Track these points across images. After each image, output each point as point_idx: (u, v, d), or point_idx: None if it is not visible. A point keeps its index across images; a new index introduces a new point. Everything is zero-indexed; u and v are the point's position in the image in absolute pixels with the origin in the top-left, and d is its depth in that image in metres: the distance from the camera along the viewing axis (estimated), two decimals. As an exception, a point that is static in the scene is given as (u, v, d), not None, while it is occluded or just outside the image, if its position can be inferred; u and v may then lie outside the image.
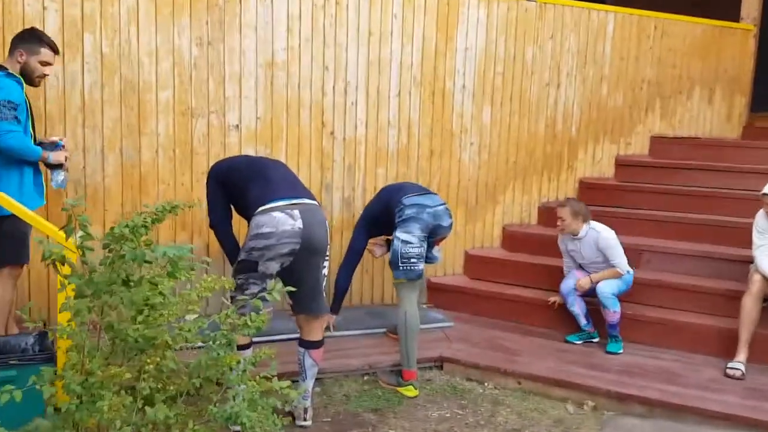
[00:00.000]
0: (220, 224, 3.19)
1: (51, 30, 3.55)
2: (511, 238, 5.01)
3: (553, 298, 4.14)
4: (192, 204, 2.07)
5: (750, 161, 5.03)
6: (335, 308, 3.92)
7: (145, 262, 1.55)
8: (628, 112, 5.37)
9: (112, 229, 1.66)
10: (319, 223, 2.90)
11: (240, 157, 3.52)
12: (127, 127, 3.82)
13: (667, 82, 5.47)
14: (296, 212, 2.83)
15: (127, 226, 1.62)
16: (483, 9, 4.69)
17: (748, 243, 3.75)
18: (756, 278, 3.55)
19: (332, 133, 4.36)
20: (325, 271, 3.02)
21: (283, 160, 4.21)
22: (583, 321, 3.98)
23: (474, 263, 4.91)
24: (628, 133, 5.41)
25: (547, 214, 5.11)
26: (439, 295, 4.72)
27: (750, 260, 3.72)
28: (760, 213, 3.64)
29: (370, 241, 4.00)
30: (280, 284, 2.38)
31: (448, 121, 4.70)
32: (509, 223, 5.07)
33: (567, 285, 4.03)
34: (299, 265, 2.88)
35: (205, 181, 3.23)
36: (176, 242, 3.94)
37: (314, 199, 3.00)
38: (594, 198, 5.00)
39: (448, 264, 4.87)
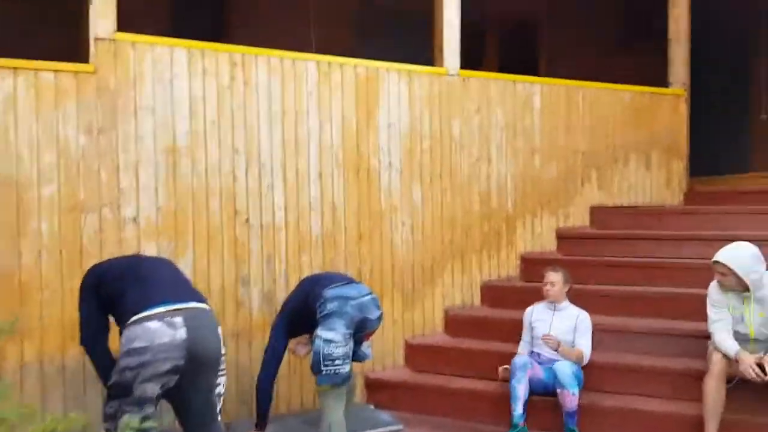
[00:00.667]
0: (92, 342, 2.67)
1: None
2: (455, 322, 4.62)
3: (504, 366, 3.78)
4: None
5: (694, 227, 4.84)
6: (261, 422, 3.41)
7: None
8: (563, 183, 5.17)
9: None
10: (208, 332, 2.45)
11: (118, 259, 3.05)
12: (4, 225, 3.33)
13: (602, 152, 5.33)
14: (178, 320, 2.38)
15: None
16: (404, 84, 4.48)
17: (704, 315, 3.43)
18: (716, 358, 3.21)
19: (247, 220, 3.95)
20: (220, 389, 2.52)
21: (190, 254, 3.76)
22: (518, 410, 3.55)
23: (416, 353, 4.47)
24: (566, 204, 5.19)
25: (491, 294, 4.78)
26: (379, 392, 4.25)
27: (707, 336, 3.40)
28: (713, 284, 3.35)
29: (292, 340, 3.55)
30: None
31: (376, 202, 4.38)
32: (451, 306, 4.69)
33: (522, 359, 3.70)
34: (186, 385, 2.39)
35: (79, 289, 2.75)
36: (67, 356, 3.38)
37: (203, 301, 2.54)
38: (537, 274, 4.67)
39: (387, 356, 4.41)
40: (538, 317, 3.86)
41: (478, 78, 4.79)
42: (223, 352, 2.52)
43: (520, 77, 4.98)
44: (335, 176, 4.23)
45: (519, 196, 4.94)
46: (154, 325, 2.34)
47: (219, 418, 2.54)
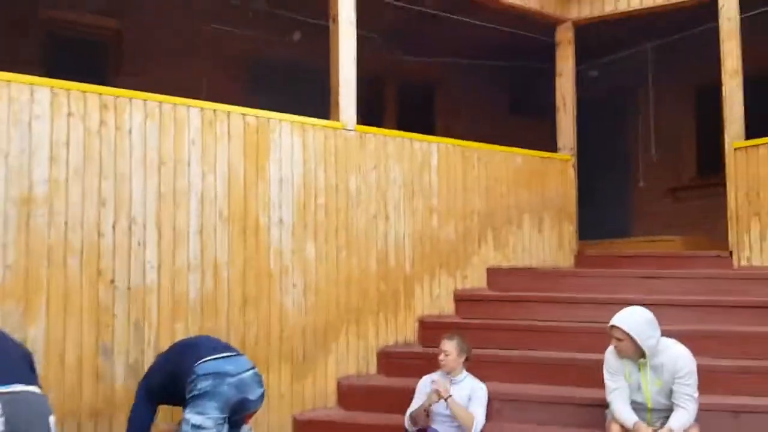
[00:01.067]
0: None
1: None
2: (349, 394, 4.28)
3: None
4: None
5: (587, 290, 4.84)
6: None
7: None
8: (461, 243, 5.06)
9: None
10: (33, 417, 1.99)
11: None
12: None
13: (497, 212, 5.31)
14: None
15: None
16: (297, 137, 4.25)
17: (602, 382, 3.32)
18: (614, 429, 3.08)
19: (112, 281, 3.49)
20: None
21: (42, 320, 3.25)
22: None
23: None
24: (464, 265, 5.07)
25: (388, 361, 4.50)
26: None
27: (606, 404, 3.28)
28: (610, 350, 3.26)
29: (159, 423, 3.08)
30: None
31: (264, 261, 4.03)
32: (345, 376, 4.36)
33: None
34: None
35: None
36: None
37: (33, 383, 2.09)
38: (435, 338, 4.46)
39: (273, 435, 3.98)
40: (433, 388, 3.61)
41: (376, 134, 4.65)
42: None
43: (417, 136, 4.89)
44: (218, 232, 3.86)
45: (417, 256, 4.77)
46: None
47: None
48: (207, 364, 2.77)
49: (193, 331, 3.72)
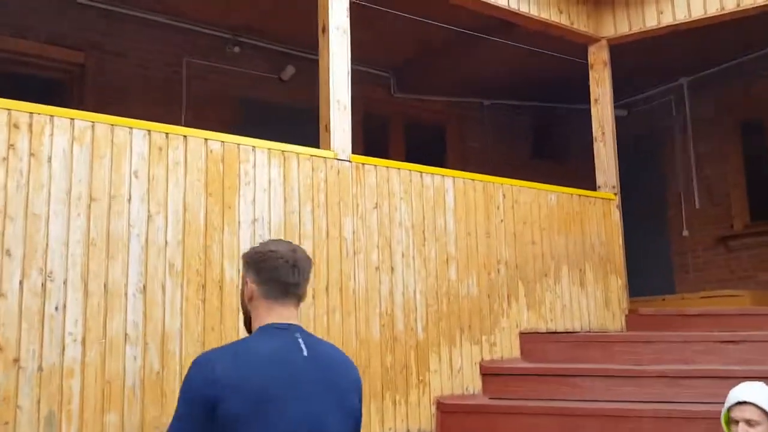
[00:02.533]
0: None
1: None
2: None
3: None
4: None
5: (650, 360, 3.89)
6: None
7: None
8: (486, 301, 4.13)
9: None
10: None
11: None
12: None
13: (529, 263, 4.39)
14: None
15: None
16: (276, 168, 3.41)
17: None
18: None
19: (16, 360, 2.58)
20: None
21: None
22: None
23: None
24: (490, 329, 4.11)
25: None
26: None
27: None
28: None
29: None
30: None
31: (231, 329, 3.12)
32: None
33: None
34: None
35: None
36: None
37: None
38: (461, 427, 3.51)
39: None
40: None
41: (377, 166, 3.80)
42: None
43: (428, 168, 4.04)
44: (168, 291, 2.97)
45: (432, 318, 3.83)
46: None
47: None
48: None
49: (132, 425, 2.78)
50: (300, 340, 1.79)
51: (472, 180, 4.26)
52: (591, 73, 5.18)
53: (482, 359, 4.01)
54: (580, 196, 4.80)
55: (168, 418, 2.87)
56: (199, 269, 3.08)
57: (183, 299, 3.01)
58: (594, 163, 5.05)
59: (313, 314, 3.40)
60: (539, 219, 4.53)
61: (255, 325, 1.85)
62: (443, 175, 4.11)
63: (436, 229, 3.96)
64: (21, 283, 2.65)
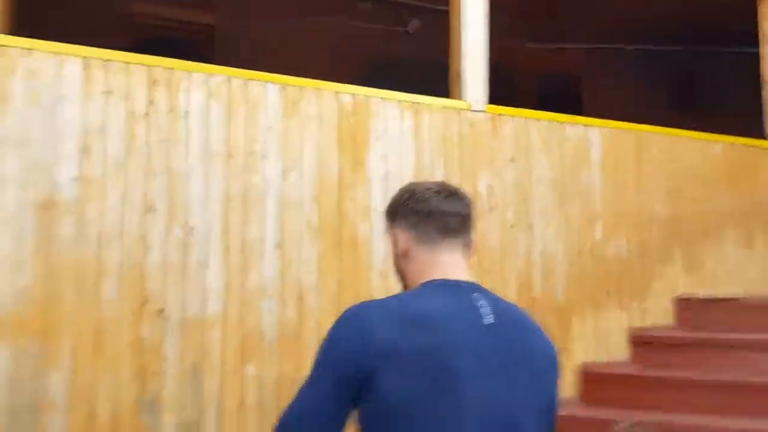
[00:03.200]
0: None
1: None
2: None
3: None
4: None
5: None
6: None
7: None
8: (637, 263, 3.80)
9: None
10: None
11: None
12: None
13: (687, 221, 3.98)
14: None
15: None
16: (408, 121, 3.28)
17: None
18: None
19: (162, 311, 2.69)
20: None
21: (67, 363, 2.52)
22: None
23: None
24: (641, 293, 3.79)
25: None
26: None
27: None
28: None
29: None
30: None
31: (365, 285, 3.09)
32: None
33: None
34: None
35: None
36: None
37: None
38: (604, 396, 3.28)
39: None
40: None
41: (514, 116, 3.57)
42: None
43: (571, 118, 3.74)
44: (304, 247, 2.97)
45: (574, 280, 3.59)
46: None
47: None
48: None
49: (269, 378, 2.84)
50: (478, 301, 1.33)
51: (621, 130, 3.90)
52: (760, 8, 4.55)
53: (631, 326, 3.72)
54: (748, 146, 4.27)
55: (305, 371, 2.91)
56: (333, 226, 3.05)
57: (318, 256, 3.00)
58: (756, 113, 4.45)
59: (447, 273, 3.28)
60: (700, 173, 4.08)
61: (414, 282, 1.42)
62: (587, 125, 3.80)
63: (579, 184, 3.68)
64: (165, 237, 2.74)
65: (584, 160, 3.72)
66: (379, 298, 3.00)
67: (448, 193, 1.44)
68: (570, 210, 3.63)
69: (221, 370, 2.76)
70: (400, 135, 3.27)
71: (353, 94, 3.19)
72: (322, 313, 2.98)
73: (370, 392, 1.20)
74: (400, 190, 1.51)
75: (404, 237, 1.43)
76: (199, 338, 2.74)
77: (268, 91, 3.00)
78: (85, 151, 2.64)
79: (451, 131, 3.39)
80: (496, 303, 1.34)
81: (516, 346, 1.30)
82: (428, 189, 1.44)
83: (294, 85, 3.06)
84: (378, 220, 3.14)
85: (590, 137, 3.76)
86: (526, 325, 1.38)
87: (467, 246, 1.43)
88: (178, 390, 2.69)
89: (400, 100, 3.29)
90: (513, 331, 1.32)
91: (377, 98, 3.24)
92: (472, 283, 1.37)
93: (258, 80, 2.98)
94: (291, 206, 2.98)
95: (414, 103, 3.32)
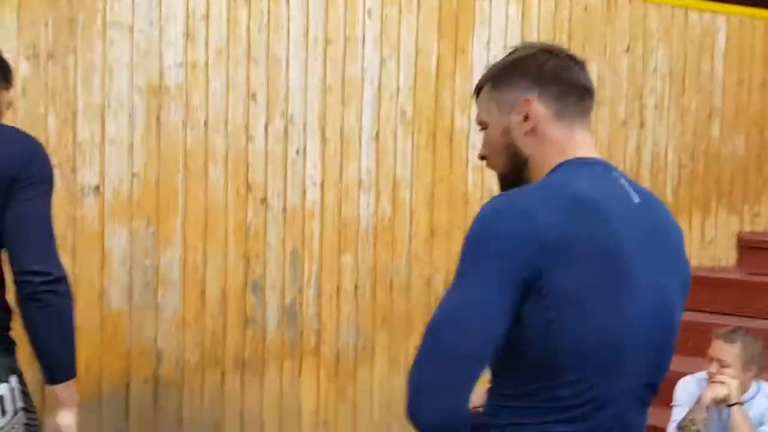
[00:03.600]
0: None
1: None
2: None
3: None
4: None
5: None
6: None
7: None
8: (754, 165, 3.58)
9: None
10: None
11: None
12: None
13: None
14: None
15: None
16: (514, 5, 3.10)
17: None
18: None
19: (264, 200, 2.80)
20: None
21: (178, 244, 2.68)
22: None
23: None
24: (755, 197, 3.61)
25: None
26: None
27: None
28: None
29: None
30: None
31: (460, 180, 3.08)
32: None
33: None
34: None
35: None
36: None
37: None
38: (710, 301, 3.21)
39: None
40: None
41: (631, 1, 3.29)
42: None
43: (696, 3, 3.42)
44: (399, 139, 2.97)
45: (684, 180, 3.44)
46: None
47: None
48: None
49: (365, 267, 2.95)
50: (620, 179, 1.18)
51: (752, 18, 3.54)
52: None
53: (741, 230, 3.56)
54: None
55: (399, 261, 3.01)
56: (430, 117, 3.01)
57: (414, 148, 2.99)
58: None
59: (547, 169, 3.21)
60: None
61: (546, 163, 1.18)
62: (714, 12, 3.47)
63: (699, 77, 3.43)
64: (266, 127, 2.79)
65: (707, 49, 3.44)
66: (476, 194, 2.97)
67: (580, 63, 1.22)
68: (686, 105, 3.41)
69: (319, 257, 2.89)
70: (506, 19, 3.11)
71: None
72: (415, 206, 3.02)
73: (538, 290, 1.08)
74: (528, 50, 1.24)
75: (541, 108, 1.18)
76: (299, 226, 2.85)
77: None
78: (189, 36, 2.66)
79: (562, 16, 3.19)
80: (631, 181, 1.22)
81: (660, 224, 1.20)
82: (568, 55, 1.22)
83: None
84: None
85: (717, 25, 3.45)
86: (660, 204, 1.26)
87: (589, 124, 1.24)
88: (280, 273, 2.83)
89: (504, -19, 3.10)
90: (656, 210, 1.21)
91: (485, -23, 3.06)
92: (607, 161, 1.22)
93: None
94: (388, 95, 2.94)
95: (523, -15, 3.12)
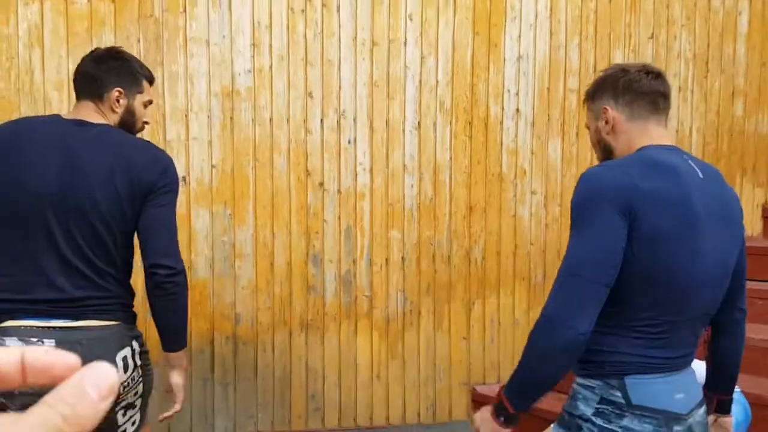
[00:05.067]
0: None
1: None
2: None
3: None
4: None
5: None
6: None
7: None
8: (779, 139, 3.84)
9: None
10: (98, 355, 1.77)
11: (17, 136, 1.84)
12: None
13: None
14: (50, 344, 1.73)
15: None
16: (543, 1, 3.46)
17: None
18: None
19: (321, 184, 3.30)
20: (131, 425, 1.89)
21: (250, 223, 3.21)
22: None
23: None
24: (781, 170, 3.86)
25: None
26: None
27: None
28: None
29: None
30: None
31: (495, 162, 3.49)
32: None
33: None
34: None
35: None
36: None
37: (108, 311, 1.83)
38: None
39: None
40: None
41: (655, -10, 3.60)
42: (124, 382, 1.85)
43: (719, -12, 3.69)
44: (439, 127, 3.40)
45: (709, 157, 3.74)
46: (13, 344, 1.74)
47: None
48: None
49: (410, 240, 3.41)
50: (689, 160, 1.54)
51: (778, -3, 3.78)
52: None
53: (766, 202, 3.85)
54: None
55: (440, 235, 3.46)
56: (466, 107, 3.43)
57: (452, 135, 3.43)
58: None
59: (575, 152, 3.59)
60: None
61: (627, 152, 1.56)
62: (739, -5, 3.73)
63: (722, 59, 3.70)
64: (322, 121, 3.28)
65: (730, 32, 3.71)
66: (510, 175, 3.41)
67: (655, 74, 1.58)
68: (710, 86, 3.70)
69: (370, 233, 3.38)
70: (534, 15, 3.48)
71: (489, -22, 3.41)
72: (454, 186, 3.45)
73: (636, 227, 1.40)
74: (610, 70, 1.64)
75: (613, 113, 1.58)
76: (352, 206, 3.35)
77: (408, -20, 3.31)
78: (255, 45, 3.17)
79: (587, 8, 3.53)
80: (699, 161, 1.59)
81: (718, 196, 1.55)
82: (639, 71, 1.58)
83: (433, -28, 3.34)
84: (509, 102, 3.46)
85: (740, 8, 3.71)
86: (721, 179, 1.62)
87: (666, 120, 1.62)
88: (336, 247, 3.35)
89: (536, -20, 3.46)
90: (716, 184, 1.56)
91: (513, -20, 3.44)
92: (678, 147, 1.58)
93: (399, -30, 3.30)
94: (428, 89, 3.38)
95: (550, -18, 3.47)
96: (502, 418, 1.50)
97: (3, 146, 1.80)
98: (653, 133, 1.54)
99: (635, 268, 1.42)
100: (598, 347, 1.46)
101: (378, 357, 3.41)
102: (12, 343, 1.72)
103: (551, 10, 3.48)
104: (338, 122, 3.30)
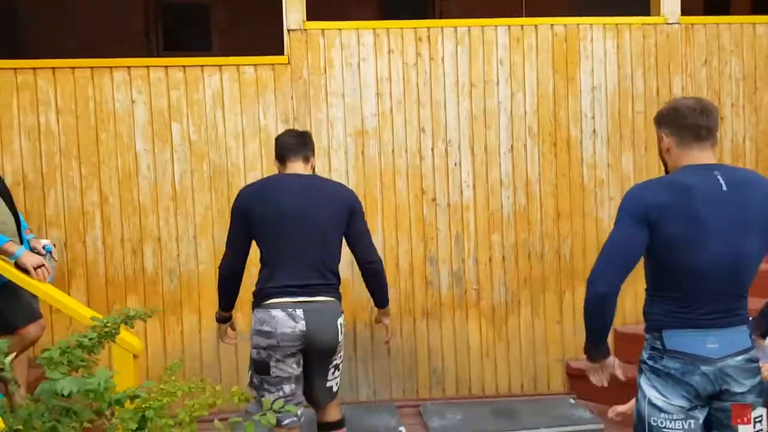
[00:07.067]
0: (225, 265, 2.98)
1: (140, 122, 3.92)
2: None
3: None
4: (149, 313, 2.01)
5: None
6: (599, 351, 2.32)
7: (61, 396, 1.51)
8: (829, 143, 4.49)
9: (44, 350, 1.66)
10: (326, 326, 2.87)
11: (268, 187, 2.97)
12: (218, 212, 4.05)
13: None
14: (299, 312, 2.82)
15: (60, 347, 1.62)
16: (610, 40, 4.28)
17: None
18: None
19: (434, 199, 4.21)
20: (334, 378, 3.01)
21: (379, 233, 4.15)
22: None
23: (626, 344, 4.34)
24: (832, 169, 4.50)
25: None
26: (580, 382, 4.23)
27: None
28: None
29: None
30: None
31: (577, 175, 4.31)
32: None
33: None
34: (308, 362, 2.92)
35: None
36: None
37: (331, 293, 2.94)
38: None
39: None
40: None
41: (706, 25, 4.36)
42: (339, 340, 2.93)
43: (760, 18, 4.40)
44: (528, 149, 4.26)
45: (762, 165, 4.43)
46: (278, 314, 2.80)
47: (335, 399, 3.04)
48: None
49: (509, 243, 4.25)
50: (718, 175, 2.08)
51: (819, 19, 4.45)
52: None
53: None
54: None
55: (533, 238, 4.27)
56: (551, 131, 4.27)
57: (539, 154, 4.27)
58: None
59: (645, 163, 4.35)
60: None
61: (675, 167, 2.16)
62: (782, 21, 4.42)
63: (770, 77, 4.41)
64: (432, 149, 4.20)
65: (777, 53, 4.41)
66: (591, 185, 4.24)
67: (702, 109, 2.12)
68: (759, 101, 4.41)
69: (475, 237, 4.25)
70: (603, 52, 4.30)
71: (564, 24, 4.26)
72: (543, 197, 4.28)
73: (654, 233, 2.07)
74: (667, 104, 2.24)
75: (668, 140, 2.17)
76: (459, 216, 4.24)
77: (498, 33, 4.21)
78: (379, 94, 4.14)
79: (649, 44, 4.32)
80: (731, 174, 2.11)
81: (744, 203, 2.08)
82: (688, 107, 2.13)
83: (516, 25, 4.23)
84: (586, 125, 4.28)
85: (785, 32, 4.41)
86: (758, 184, 2.14)
87: (713, 145, 2.17)
88: (448, 250, 4.23)
89: (604, 24, 4.28)
90: (745, 192, 2.10)
91: (585, 25, 4.27)
92: (715, 164, 2.14)
93: (490, 26, 4.20)
94: (518, 118, 4.25)
95: (616, 24, 4.29)
96: (587, 357, 2.36)
97: (259, 195, 2.92)
98: (694, 156, 2.14)
99: (659, 258, 2.11)
100: (649, 310, 2.24)
101: (486, 339, 4.26)
102: (276, 312, 2.75)
103: (618, 47, 4.30)
104: (446, 150, 4.21)
